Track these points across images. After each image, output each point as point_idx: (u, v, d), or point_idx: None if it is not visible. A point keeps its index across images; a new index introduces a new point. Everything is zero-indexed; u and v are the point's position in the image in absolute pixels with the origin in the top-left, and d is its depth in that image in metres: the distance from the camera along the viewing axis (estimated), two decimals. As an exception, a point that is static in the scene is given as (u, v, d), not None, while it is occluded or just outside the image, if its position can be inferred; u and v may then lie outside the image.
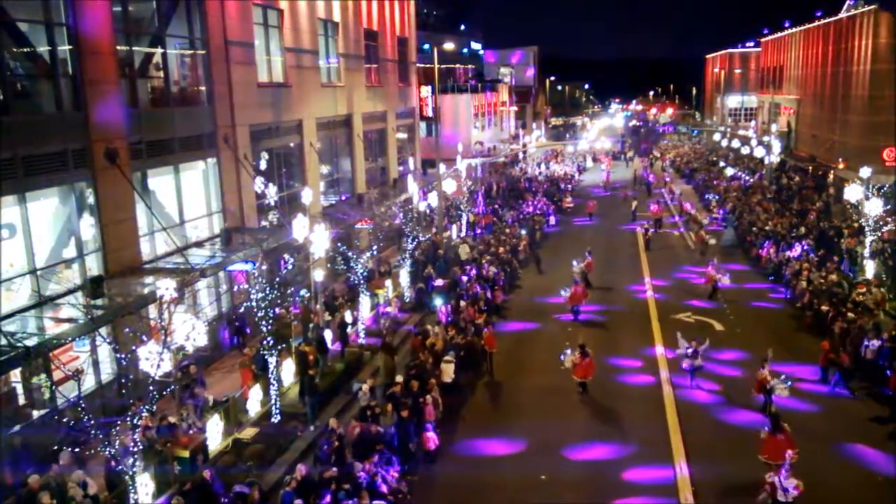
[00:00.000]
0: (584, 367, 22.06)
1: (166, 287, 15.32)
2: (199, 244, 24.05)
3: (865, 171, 36.14)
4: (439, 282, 31.15)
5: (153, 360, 14.61)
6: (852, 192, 34.63)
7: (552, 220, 50.01)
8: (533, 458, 18.40)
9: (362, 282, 26.87)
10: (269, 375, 20.34)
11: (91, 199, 19.61)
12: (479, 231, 43.78)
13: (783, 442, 16.73)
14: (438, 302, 28.11)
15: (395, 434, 18.15)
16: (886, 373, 20.90)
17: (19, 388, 17.75)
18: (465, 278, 30.91)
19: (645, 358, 25.11)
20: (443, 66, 61.90)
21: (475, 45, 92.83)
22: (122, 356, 14.95)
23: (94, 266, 19.64)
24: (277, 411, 20.22)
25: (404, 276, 31.54)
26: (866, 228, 32.24)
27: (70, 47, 18.79)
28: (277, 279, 22.22)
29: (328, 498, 14.96)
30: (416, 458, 18.11)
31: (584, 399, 22.07)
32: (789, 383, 20.09)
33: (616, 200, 60.10)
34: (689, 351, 22.24)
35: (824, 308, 26.54)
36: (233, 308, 25.62)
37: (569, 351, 22.33)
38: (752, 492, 15.80)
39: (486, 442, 19.47)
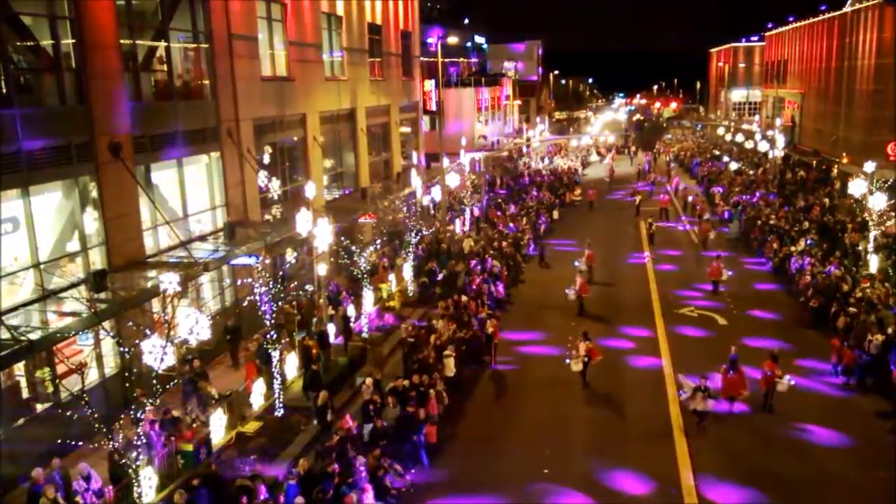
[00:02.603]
0: (593, 351, 22.28)
1: (170, 281, 15.34)
2: (202, 238, 24.05)
3: (869, 166, 36.08)
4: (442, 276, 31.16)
5: (157, 354, 14.64)
6: (856, 187, 34.59)
7: (555, 213, 49.93)
8: (536, 452, 18.41)
9: (366, 276, 26.88)
10: (273, 369, 20.37)
11: (94, 193, 19.61)
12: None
13: (737, 380, 19.99)
14: None
15: (398, 428, 18.18)
16: (890, 367, 20.86)
17: (23, 382, 17.79)
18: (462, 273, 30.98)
19: (647, 350, 25.16)
20: (446, 60, 61.81)
21: (479, 39, 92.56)
22: (126, 350, 14.98)
23: (97, 260, 19.65)
24: (281, 405, 20.27)
25: (407, 270, 31.55)
26: (870, 223, 32.18)
27: (73, 41, 18.77)
28: (281, 273, 22.22)
29: (331, 492, 14.98)
30: (420, 451, 18.12)
31: (587, 391, 22.10)
32: (793, 382, 20.13)
33: (620, 195, 60.05)
34: (696, 388, 19.05)
35: (814, 304, 26.65)
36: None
37: (582, 349, 22.37)
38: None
39: (489, 436, 19.47)
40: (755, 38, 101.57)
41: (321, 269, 25.03)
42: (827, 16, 58.68)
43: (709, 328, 27.39)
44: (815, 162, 60.52)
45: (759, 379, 20.58)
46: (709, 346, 25.14)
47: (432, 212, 42.19)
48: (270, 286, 19.87)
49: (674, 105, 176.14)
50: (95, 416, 13.90)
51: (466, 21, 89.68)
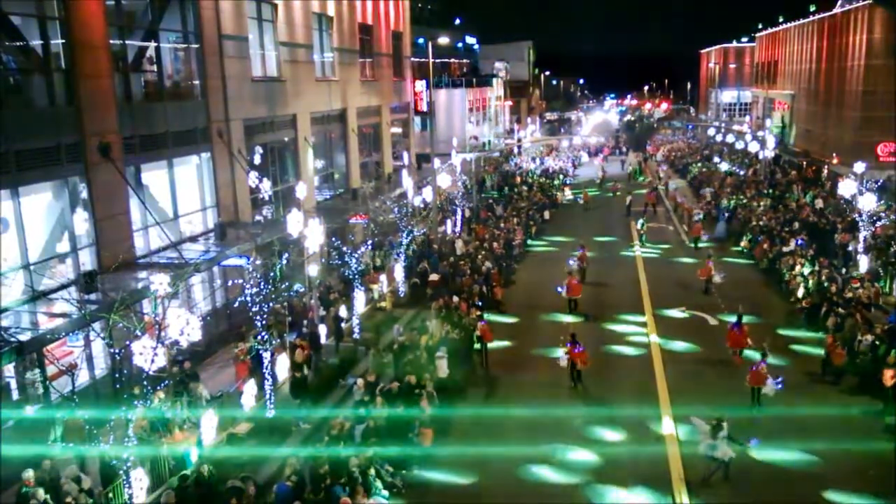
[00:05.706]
0: (578, 355, 22.13)
1: (160, 282, 15.28)
2: (193, 239, 23.99)
3: (859, 167, 36.23)
4: (434, 277, 31.12)
5: (147, 355, 14.58)
6: (846, 188, 34.73)
7: (546, 214, 50.04)
8: (527, 453, 18.40)
9: (356, 276, 26.83)
10: (264, 370, 20.30)
11: (84, 194, 19.54)
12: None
13: (741, 335, 22.80)
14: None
15: (389, 428, 18.15)
16: (880, 367, 20.92)
17: (13, 383, 17.70)
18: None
19: (638, 349, 25.26)
20: (437, 61, 61.79)
21: (470, 40, 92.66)
22: (116, 351, 14.92)
23: (87, 261, 19.58)
24: (272, 406, 20.20)
25: (398, 271, 31.49)
26: (860, 224, 32.31)
27: (63, 41, 18.71)
28: (272, 274, 22.16)
29: (322, 493, 14.96)
30: (412, 452, 18.10)
31: (578, 391, 22.15)
32: (780, 387, 20.13)
33: (610, 195, 60.19)
34: (713, 435, 16.55)
35: (805, 304, 26.87)
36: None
37: (562, 351, 22.38)
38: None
39: (481, 436, 19.44)
40: (745, 39, 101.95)
41: (312, 270, 24.98)
42: (817, 17, 58.93)
43: (700, 328, 27.47)
44: (805, 163, 60.79)
45: (747, 377, 20.65)
46: (700, 345, 25.22)
47: (422, 212, 42.15)
48: (261, 287, 19.80)
49: (664, 106, 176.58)
50: (86, 417, 13.84)
51: (458, 21, 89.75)
